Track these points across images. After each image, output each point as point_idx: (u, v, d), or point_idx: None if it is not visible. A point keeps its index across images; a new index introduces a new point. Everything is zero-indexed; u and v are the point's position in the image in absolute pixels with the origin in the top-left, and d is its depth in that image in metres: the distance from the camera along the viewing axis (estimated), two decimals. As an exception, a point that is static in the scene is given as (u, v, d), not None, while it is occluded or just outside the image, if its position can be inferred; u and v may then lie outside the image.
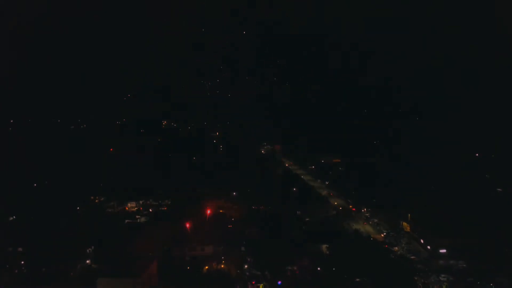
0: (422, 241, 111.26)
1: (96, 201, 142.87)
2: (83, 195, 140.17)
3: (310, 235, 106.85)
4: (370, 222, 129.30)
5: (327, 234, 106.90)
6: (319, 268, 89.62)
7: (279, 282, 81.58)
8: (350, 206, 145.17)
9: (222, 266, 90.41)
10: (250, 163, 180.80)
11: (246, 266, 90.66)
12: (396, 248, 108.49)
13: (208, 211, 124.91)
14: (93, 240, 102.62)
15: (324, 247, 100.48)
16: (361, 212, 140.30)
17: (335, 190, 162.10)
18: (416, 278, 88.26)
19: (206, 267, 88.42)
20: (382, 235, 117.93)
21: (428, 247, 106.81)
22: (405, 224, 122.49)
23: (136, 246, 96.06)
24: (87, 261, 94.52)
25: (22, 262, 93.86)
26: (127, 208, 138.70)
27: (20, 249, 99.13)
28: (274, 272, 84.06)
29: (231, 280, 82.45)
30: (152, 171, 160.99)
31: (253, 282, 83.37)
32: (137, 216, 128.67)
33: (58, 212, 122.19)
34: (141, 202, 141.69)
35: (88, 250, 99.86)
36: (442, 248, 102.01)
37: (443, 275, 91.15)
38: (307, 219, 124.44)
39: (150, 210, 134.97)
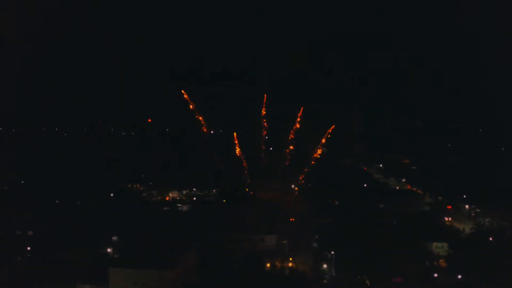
0: None
1: (135, 188, 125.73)
2: (119, 182, 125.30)
3: (408, 230, 77.48)
4: (483, 223, 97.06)
5: (434, 230, 77.40)
6: (436, 275, 59.85)
7: None
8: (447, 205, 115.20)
9: (290, 264, 63.02)
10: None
11: (325, 266, 62.53)
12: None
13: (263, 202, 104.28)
14: (121, 227, 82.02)
15: (434, 245, 70.53)
16: (461, 209, 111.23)
17: (416, 187, 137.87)
18: None
19: (268, 264, 61.35)
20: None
21: None
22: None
23: (172, 235, 72.65)
24: (108, 250, 71.02)
25: (28, 248, 72.56)
26: (167, 198, 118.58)
27: (30, 232, 78.85)
28: (378, 277, 55.45)
29: (307, 283, 54.62)
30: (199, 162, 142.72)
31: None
32: (178, 205, 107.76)
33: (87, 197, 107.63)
34: (184, 192, 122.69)
35: (113, 238, 77.57)
36: None
37: None
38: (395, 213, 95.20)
39: (194, 198, 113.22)
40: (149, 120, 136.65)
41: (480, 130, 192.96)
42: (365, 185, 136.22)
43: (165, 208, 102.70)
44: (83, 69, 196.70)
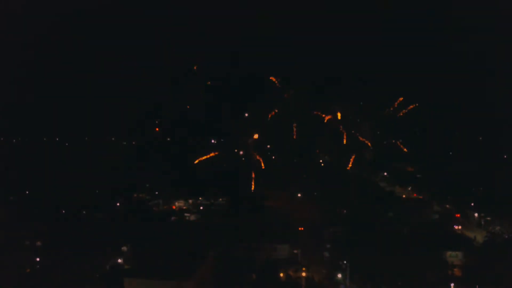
0: None
1: (141, 197, 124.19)
2: (124, 191, 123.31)
3: (419, 239, 76.67)
4: (494, 231, 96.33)
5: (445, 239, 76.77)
6: (452, 284, 59.04)
7: None
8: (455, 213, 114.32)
9: (303, 274, 62.30)
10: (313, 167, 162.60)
11: (339, 276, 61.83)
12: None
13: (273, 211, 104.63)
14: (130, 237, 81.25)
15: (447, 254, 69.93)
16: (470, 218, 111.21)
17: (424, 195, 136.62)
18: None
19: (282, 274, 60.68)
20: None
21: None
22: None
23: (185, 245, 71.84)
24: (119, 260, 70.18)
25: (38, 259, 71.62)
26: (174, 207, 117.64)
27: (38, 243, 77.83)
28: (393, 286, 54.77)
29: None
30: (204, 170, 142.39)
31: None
32: (186, 214, 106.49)
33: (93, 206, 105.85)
34: (190, 201, 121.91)
35: (122, 249, 76.75)
36: None
37: None
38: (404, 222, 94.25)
39: (201, 208, 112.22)
40: (157, 129, 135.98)
41: (482, 137, 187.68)
42: (373, 193, 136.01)
43: (172, 218, 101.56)
44: (84, 76, 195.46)
